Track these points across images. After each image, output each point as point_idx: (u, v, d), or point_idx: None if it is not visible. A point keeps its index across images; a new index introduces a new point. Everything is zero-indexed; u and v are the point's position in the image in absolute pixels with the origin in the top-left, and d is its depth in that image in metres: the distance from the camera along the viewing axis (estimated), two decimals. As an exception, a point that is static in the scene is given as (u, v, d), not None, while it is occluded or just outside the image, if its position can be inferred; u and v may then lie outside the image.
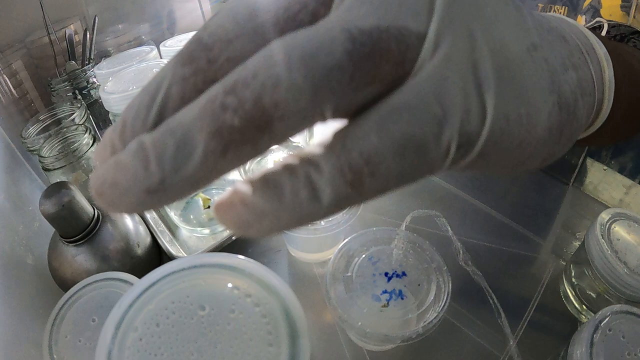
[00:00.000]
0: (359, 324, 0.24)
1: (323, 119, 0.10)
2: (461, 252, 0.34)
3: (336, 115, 0.10)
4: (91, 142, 0.39)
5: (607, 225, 0.29)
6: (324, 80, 0.09)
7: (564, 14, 0.40)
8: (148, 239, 0.36)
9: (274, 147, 0.48)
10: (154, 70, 0.40)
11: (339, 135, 0.10)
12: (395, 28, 0.10)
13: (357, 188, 0.10)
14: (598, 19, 0.35)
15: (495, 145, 0.12)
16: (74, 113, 0.44)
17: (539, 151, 0.15)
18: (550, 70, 0.15)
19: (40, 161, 0.37)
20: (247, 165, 0.45)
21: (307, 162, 0.10)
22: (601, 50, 0.20)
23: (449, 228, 0.36)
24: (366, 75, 0.10)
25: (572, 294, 0.32)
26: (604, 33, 0.32)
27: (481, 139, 0.12)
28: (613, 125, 0.22)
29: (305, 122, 0.10)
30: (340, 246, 0.28)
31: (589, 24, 0.35)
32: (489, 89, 0.12)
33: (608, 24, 0.32)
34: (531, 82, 0.14)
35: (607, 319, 0.23)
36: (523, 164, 0.15)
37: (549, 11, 0.41)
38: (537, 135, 0.14)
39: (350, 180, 0.10)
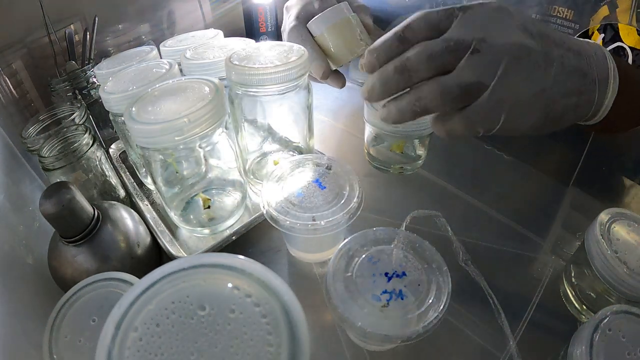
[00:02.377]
0: (359, 324, 0.24)
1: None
2: (461, 252, 0.34)
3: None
4: (91, 142, 0.39)
5: (607, 225, 0.29)
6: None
7: (569, 17, 0.40)
8: (148, 239, 0.36)
9: (275, 147, 0.48)
10: (154, 70, 0.40)
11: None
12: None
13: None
14: (619, 43, 0.38)
15: (507, 131, 0.28)
16: (74, 113, 0.44)
17: (530, 132, 0.29)
18: (547, 100, 0.28)
19: (40, 161, 0.37)
20: (248, 165, 0.45)
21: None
22: (614, 82, 0.30)
23: (449, 228, 0.36)
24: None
25: (572, 294, 0.32)
26: (630, 60, 0.40)
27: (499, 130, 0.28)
28: (622, 118, 0.33)
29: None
30: (340, 246, 0.28)
31: (610, 47, 0.40)
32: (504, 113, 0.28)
33: (632, 52, 0.39)
34: (529, 110, 0.28)
35: (607, 319, 0.23)
36: (525, 132, 0.29)
37: (551, 11, 0.41)
38: (525, 129, 0.29)
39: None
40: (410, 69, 0.26)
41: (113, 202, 0.37)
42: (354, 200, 0.31)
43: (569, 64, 0.28)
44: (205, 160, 0.40)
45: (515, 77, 0.26)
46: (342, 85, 0.43)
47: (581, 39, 0.32)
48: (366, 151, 0.47)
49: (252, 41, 0.44)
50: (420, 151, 0.45)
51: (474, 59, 0.25)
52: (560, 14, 0.41)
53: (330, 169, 0.35)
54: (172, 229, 0.40)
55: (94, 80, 0.51)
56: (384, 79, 0.28)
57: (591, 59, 0.29)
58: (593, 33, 0.40)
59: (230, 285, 0.17)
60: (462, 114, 0.27)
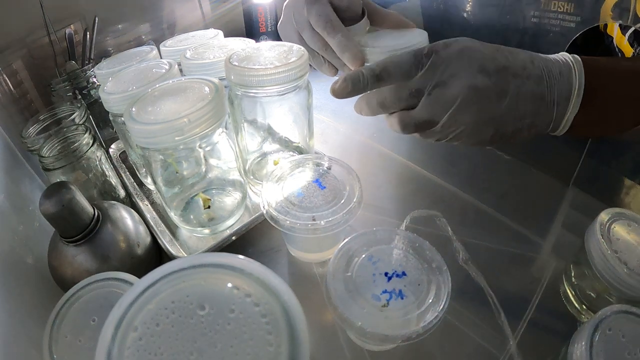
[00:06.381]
0: (359, 323, 0.24)
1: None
2: (461, 252, 0.34)
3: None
4: (91, 142, 0.39)
5: (607, 225, 0.29)
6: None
7: (570, 11, 0.40)
8: (148, 239, 0.36)
9: (275, 147, 0.48)
10: (154, 70, 0.40)
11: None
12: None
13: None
14: None
15: (457, 142, 0.34)
16: (74, 113, 0.44)
17: (478, 145, 0.34)
18: (497, 124, 0.32)
19: (40, 161, 0.37)
20: (248, 166, 0.45)
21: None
22: (577, 99, 0.31)
23: (449, 228, 0.36)
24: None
25: (572, 294, 0.32)
26: None
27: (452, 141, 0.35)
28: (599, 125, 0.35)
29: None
30: (340, 246, 0.28)
31: (631, 30, 0.39)
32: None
33: None
34: (477, 132, 0.33)
35: (607, 319, 0.23)
36: (474, 145, 0.35)
37: (551, 7, 0.41)
38: (474, 143, 0.34)
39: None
40: (387, 105, 0.35)
41: (113, 202, 0.37)
42: (354, 200, 0.31)
43: (526, 91, 0.31)
44: (205, 160, 0.40)
45: (463, 113, 0.32)
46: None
47: (554, 57, 0.33)
48: None
49: (252, 41, 0.44)
50: None
51: (428, 101, 0.33)
52: (560, 8, 0.41)
53: (330, 169, 0.35)
54: (172, 229, 0.40)
55: (94, 80, 0.51)
56: (372, 106, 0.37)
57: (553, 81, 0.32)
58: (606, 25, 0.39)
59: (230, 285, 0.17)
60: (422, 133, 0.36)
